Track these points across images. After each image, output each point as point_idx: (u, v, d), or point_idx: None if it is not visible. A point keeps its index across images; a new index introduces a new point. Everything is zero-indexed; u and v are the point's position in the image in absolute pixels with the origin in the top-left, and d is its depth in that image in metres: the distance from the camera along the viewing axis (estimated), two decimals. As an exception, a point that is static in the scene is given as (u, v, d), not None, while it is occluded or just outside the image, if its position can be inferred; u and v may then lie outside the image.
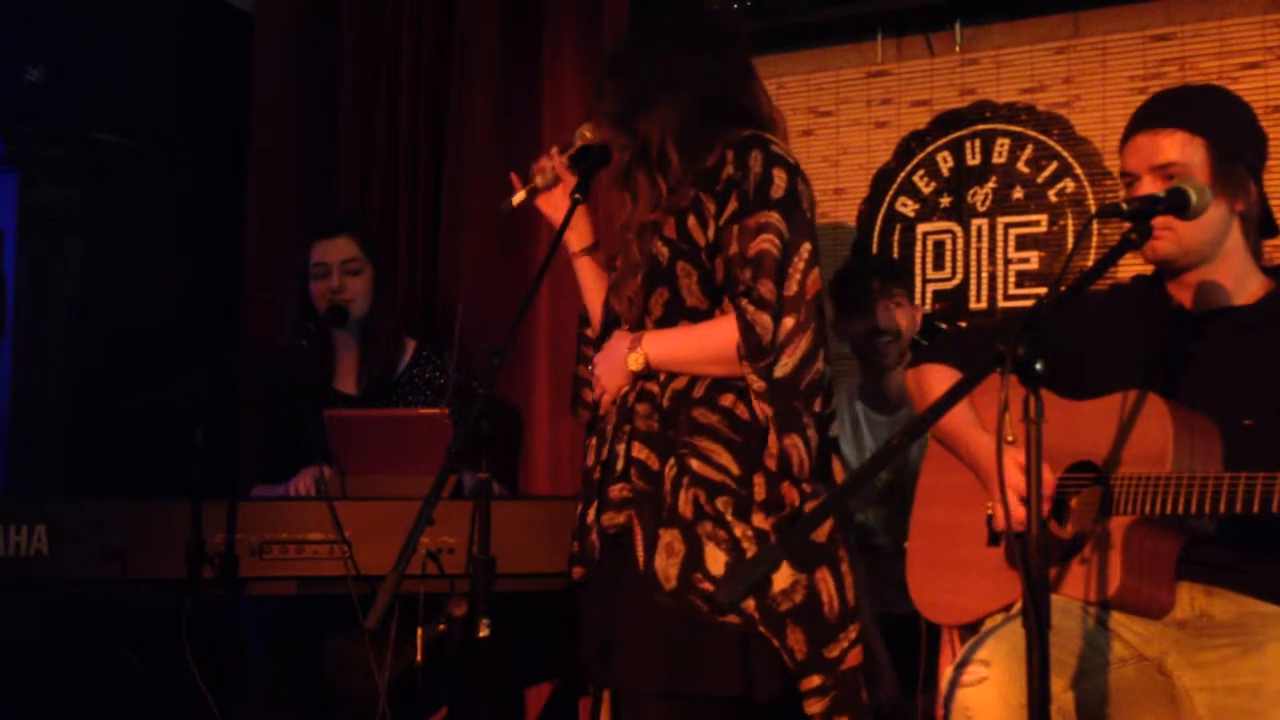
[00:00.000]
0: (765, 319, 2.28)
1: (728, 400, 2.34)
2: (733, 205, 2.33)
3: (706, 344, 2.35)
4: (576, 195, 2.48)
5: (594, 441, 2.48)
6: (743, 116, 2.43)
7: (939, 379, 2.35)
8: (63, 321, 3.78)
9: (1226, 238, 2.19)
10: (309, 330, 3.34)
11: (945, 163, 3.64)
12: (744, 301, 2.29)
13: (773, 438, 2.30)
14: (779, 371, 2.29)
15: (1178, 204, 2.01)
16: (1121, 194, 2.28)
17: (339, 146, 4.13)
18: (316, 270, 3.40)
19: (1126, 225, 2.01)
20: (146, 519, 2.84)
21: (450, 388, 3.47)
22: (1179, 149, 2.16)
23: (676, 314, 2.39)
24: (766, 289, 2.29)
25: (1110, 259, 1.95)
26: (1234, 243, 2.21)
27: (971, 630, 2.23)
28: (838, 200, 3.74)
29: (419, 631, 2.71)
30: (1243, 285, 2.21)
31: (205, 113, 4.09)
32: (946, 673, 2.07)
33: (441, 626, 2.90)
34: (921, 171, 3.66)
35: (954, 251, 3.61)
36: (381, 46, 4.06)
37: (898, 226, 3.69)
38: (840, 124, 3.77)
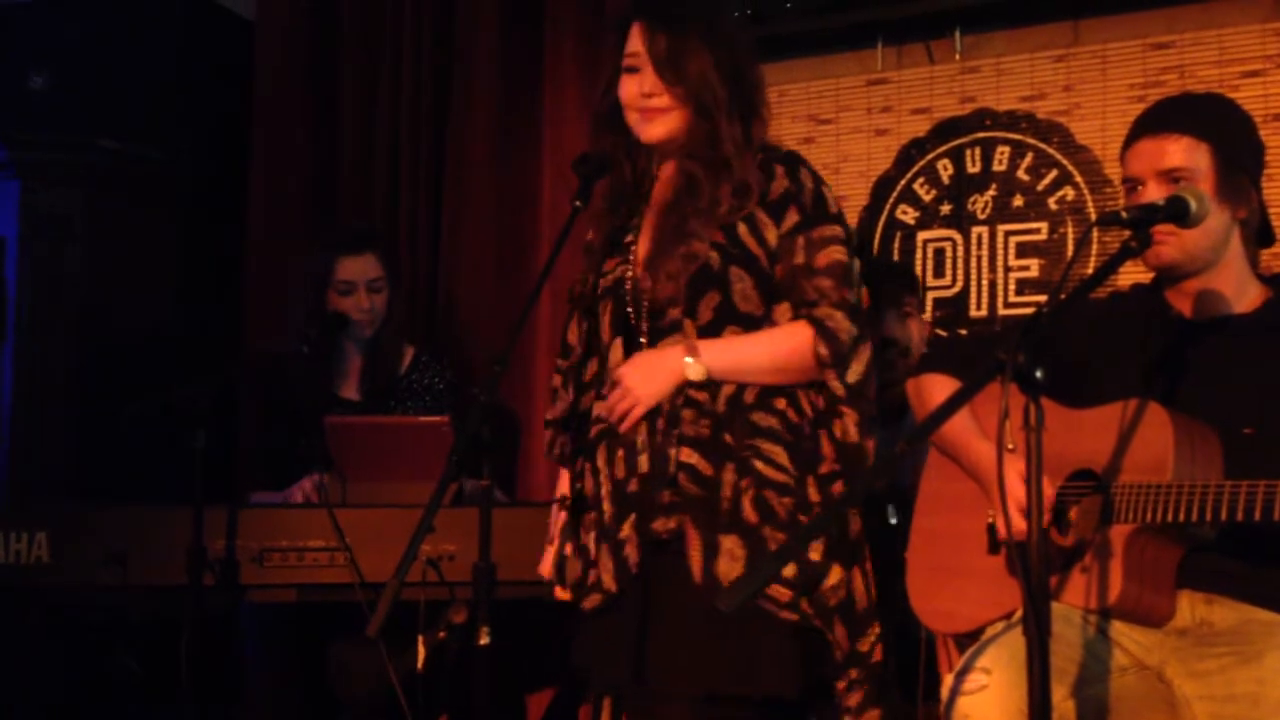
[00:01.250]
0: (848, 325, 2.31)
1: (781, 404, 2.34)
2: (793, 217, 2.34)
3: (776, 352, 2.33)
4: (577, 203, 2.46)
5: (621, 453, 2.37)
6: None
7: (939, 387, 2.34)
8: (65, 327, 3.79)
9: (1228, 245, 2.19)
10: (310, 337, 3.34)
11: (945, 170, 3.64)
12: (824, 309, 2.30)
13: (825, 442, 2.32)
14: (851, 377, 2.31)
15: (1177, 212, 2.01)
16: (1121, 201, 2.28)
17: (339, 147, 4.13)
18: (342, 286, 3.39)
19: (1127, 233, 2.01)
20: (147, 525, 2.84)
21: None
22: (1184, 154, 2.15)
23: (727, 319, 2.36)
24: (848, 295, 2.32)
25: (1110, 267, 1.94)
26: (1234, 250, 2.21)
27: (971, 638, 2.23)
28: (838, 207, 3.74)
29: (419, 639, 2.70)
30: (1242, 293, 2.21)
31: (206, 118, 4.10)
32: (947, 681, 2.07)
33: (442, 634, 2.90)
34: (922, 179, 3.67)
35: (954, 259, 3.61)
36: (382, 46, 4.07)
37: (898, 234, 3.69)
38: (840, 132, 3.77)
